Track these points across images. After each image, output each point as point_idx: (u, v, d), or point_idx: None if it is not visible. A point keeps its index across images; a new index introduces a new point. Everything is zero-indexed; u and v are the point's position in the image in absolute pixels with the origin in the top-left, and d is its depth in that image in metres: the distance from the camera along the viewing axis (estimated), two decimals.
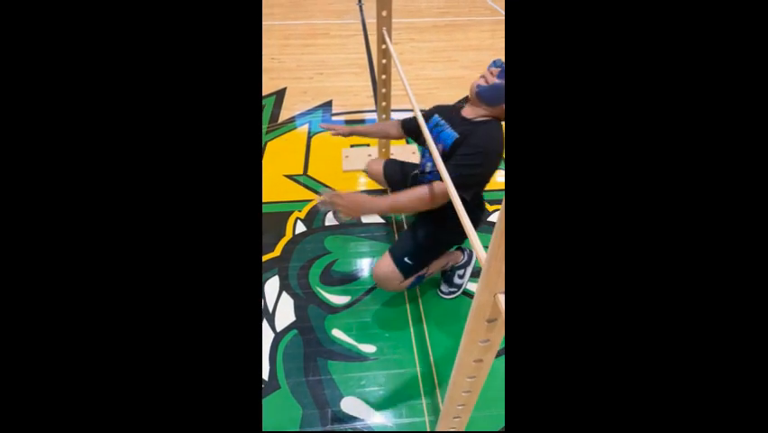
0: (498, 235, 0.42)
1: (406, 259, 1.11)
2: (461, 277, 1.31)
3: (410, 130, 1.29)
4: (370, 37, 3.26)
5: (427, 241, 1.14)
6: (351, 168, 1.86)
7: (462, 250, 1.34)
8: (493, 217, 1.61)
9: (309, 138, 2.07)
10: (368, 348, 1.18)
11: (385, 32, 1.43)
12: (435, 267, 1.24)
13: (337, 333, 1.21)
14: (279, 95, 2.46)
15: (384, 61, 1.52)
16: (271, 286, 1.34)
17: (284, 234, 1.53)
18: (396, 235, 1.53)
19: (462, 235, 1.18)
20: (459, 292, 1.31)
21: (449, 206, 1.07)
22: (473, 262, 1.33)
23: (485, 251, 0.48)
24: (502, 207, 0.40)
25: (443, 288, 1.32)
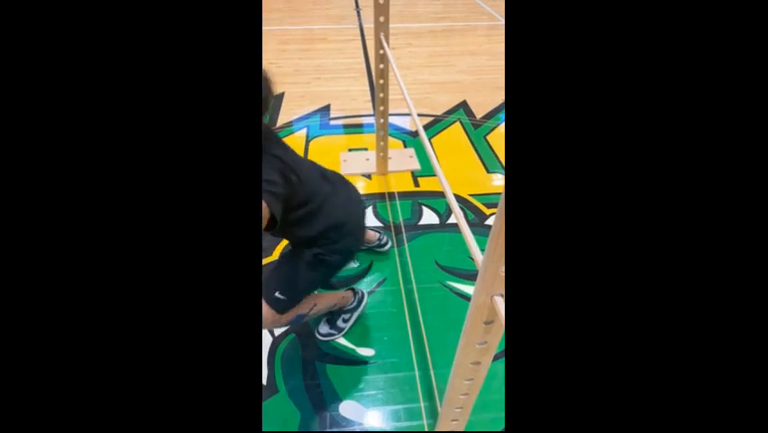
0: (494, 238, 0.42)
1: (277, 294, 0.97)
2: (345, 321, 1.20)
3: None
4: (367, 42, 3.28)
5: (297, 272, 1.00)
6: (349, 171, 1.86)
7: (355, 292, 1.23)
8: (489, 221, 1.62)
9: (307, 142, 2.07)
10: (366, 352, 1.18)
11: (382, 37, 1.44)
12: (323, 305, 1.10)
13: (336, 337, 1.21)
14: (277, 99, 2.46)
15: (382, 66, 1.53)
16: None
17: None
18: (394, 238, 1.53)
19: (326, 278, 1.07)
20: (338, 336, 1.20)
21: (312, 241, 0.95)
22: (363, 306, 1.23)
23: (482, 253, 0.48)
24: (498, 210, 0.40)
25: (322, 328, 1.20)
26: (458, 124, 2.26)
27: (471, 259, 1.40)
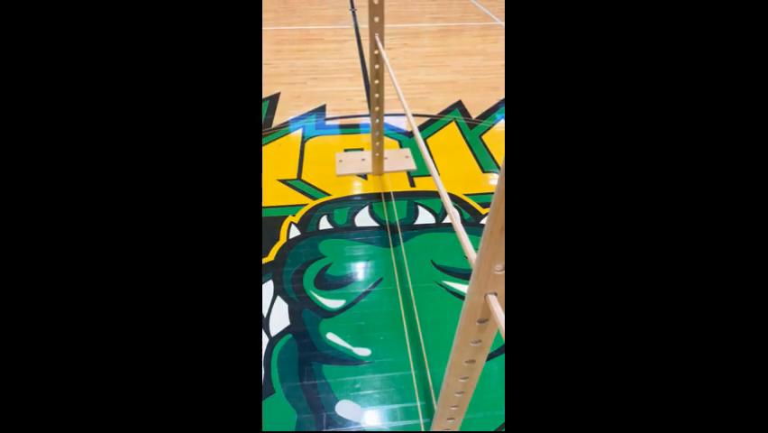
0: (488, 237, 0.43)
1: None
2: None
3: None
4: (363, 42, 3.28)
5: None
6: (344, 172, 1.86)
7: None
8: (484, 220, 1.62)
9: (303, 142, 2.07)
10: (362, 352, 1.18)
11: (377, 38, 1.44)
12: None
13: (332, 337, 1.21)
14: (273, 100, 2.46)
15: (377, 66, 1.53)
16: (266, 291, 1.34)
17: (278, 239, 1.53)
18: (390, 240, 1.53)
19: None
20: None
21: None
22: None
23: (475, 252, 0.49)
24: (491, 208, 0.40)
25: None
26: (453, 124, 2.27)
27: (467, 258, 1.40)
